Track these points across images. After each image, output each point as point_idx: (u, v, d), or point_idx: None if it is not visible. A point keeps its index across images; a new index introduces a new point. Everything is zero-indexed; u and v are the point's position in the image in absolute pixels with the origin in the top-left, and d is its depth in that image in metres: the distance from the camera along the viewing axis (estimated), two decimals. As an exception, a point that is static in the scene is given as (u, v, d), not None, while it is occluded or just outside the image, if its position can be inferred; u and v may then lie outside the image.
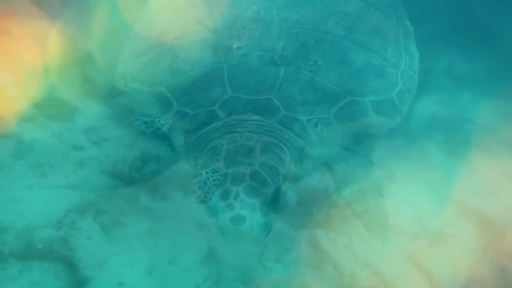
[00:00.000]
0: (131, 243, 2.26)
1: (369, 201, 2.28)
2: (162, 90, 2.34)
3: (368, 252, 2.35)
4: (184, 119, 2.26)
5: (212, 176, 1.95)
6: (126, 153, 2.39)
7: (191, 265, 2.24)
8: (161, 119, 2.27)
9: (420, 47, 2.75)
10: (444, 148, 2.89)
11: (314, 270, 2.33)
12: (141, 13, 2.78)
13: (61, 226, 2.24)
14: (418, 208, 2.50)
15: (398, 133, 2.63)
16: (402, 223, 2.42)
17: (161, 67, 2.39)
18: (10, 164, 2.41)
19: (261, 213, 1.88)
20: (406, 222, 2.43)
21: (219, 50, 2.33)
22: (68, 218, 2.27)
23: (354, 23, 2.47)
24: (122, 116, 2.62)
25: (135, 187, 2.42)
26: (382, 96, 2.36)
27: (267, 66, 2.26)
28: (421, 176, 2.62)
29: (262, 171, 1.96)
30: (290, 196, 2.09)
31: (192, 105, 2.26)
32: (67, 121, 2.66)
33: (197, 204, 1.93)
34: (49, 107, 2.66)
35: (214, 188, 1.92)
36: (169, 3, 2.69)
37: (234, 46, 2.32)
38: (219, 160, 2.02)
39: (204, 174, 1.97)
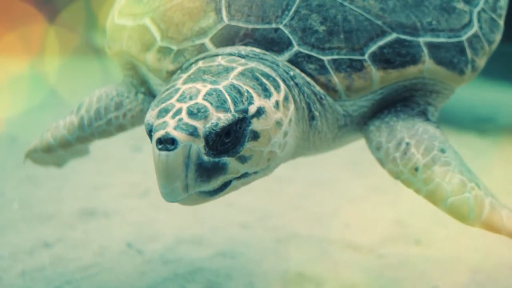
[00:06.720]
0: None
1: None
2: (145, 23, 1.82)
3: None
4: (167, 58, 1.73)
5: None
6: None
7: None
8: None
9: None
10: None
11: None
12: None
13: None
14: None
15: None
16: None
17: None
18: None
19: (206, 145, 1.33)
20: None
21: None
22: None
23: None
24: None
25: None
26: (445, 38, 1.70)
27: None
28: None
29: (226, 92, 1.40)
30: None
31: (178, 39, 1.73)
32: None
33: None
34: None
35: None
36: None
37: None
38: (181, 77, 1.51)
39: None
